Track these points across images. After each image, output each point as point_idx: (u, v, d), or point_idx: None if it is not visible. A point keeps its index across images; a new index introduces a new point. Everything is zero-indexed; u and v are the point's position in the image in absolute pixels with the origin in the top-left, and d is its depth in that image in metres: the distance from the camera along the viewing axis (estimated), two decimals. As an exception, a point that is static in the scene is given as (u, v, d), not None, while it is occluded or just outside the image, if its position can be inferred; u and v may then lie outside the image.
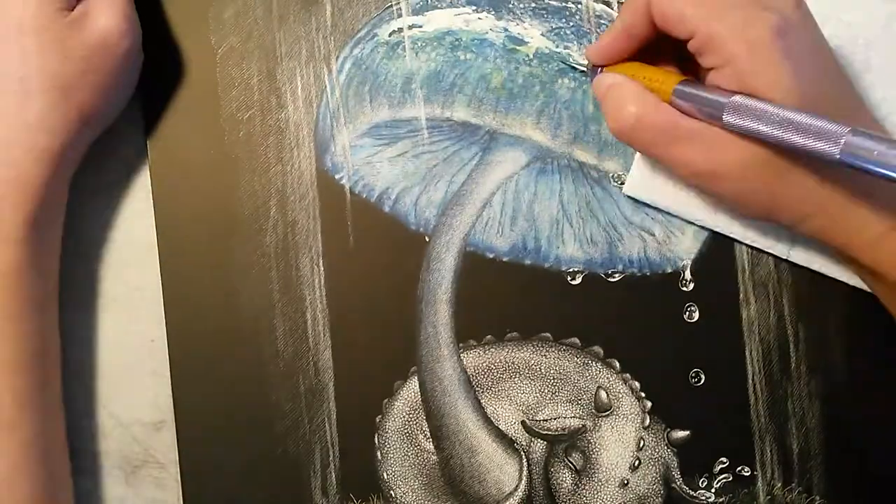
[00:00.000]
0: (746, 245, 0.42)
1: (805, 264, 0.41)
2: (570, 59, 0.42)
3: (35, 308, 0.39)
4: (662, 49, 0.38)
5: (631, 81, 0.37)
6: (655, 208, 0.42)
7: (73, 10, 0.39)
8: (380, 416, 0.43)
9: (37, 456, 0.38)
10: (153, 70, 0.44)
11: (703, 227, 0.42)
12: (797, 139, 0.31)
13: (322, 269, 0.43)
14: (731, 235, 0.42)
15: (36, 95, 0.38)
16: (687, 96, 0.35)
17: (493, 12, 0.43)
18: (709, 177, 0.36)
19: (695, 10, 0.34)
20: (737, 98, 0.33)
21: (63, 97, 0.38)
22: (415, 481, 0.43)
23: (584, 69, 0.42)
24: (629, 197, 0.42)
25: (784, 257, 0.41)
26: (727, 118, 0.33)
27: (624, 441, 0.43)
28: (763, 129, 0.32)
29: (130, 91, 0.42)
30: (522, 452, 0.43)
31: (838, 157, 0.30)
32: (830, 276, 0.41)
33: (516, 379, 0.43)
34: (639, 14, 0.37)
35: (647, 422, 0.42)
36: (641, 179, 0.42)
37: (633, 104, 0.36)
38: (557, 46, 0.43)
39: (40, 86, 0.38)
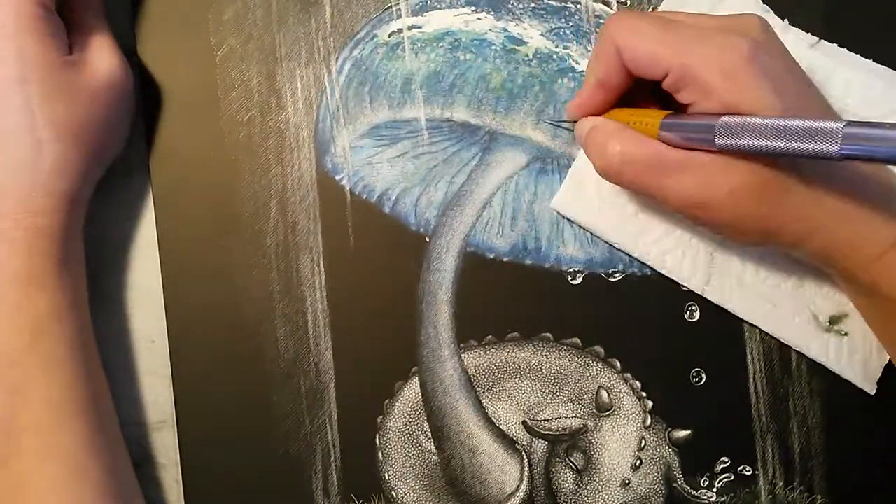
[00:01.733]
0: (663, 275, 0.42)
1: (718, 302, 0.42)
2: (556, 119, 0.43)
3: (79, 347, 0.39)
4: (640, 95, 0.38)
5: (611, 121, 0.37)
6: (579, 226, 0.43)
7: (70, 54, 0.39)
8: (381, 417, 0.43)
9: (110, 497, 0.38)
10: (153, 72, 0.44)
11: (621, 251, 0.42)
12: (795, 144, 0.31)
13: (323, 269, 0.43)
14: (647, 262, 0.42)
15: (49, 144, 0.38)
16: (675, 127, 0.35)
17: (492, 13, 0.43)
18: (702, 206, 0.35)
19: (664, 49, 0.34)
20: (725, 118, 0.33)
21: (75, 142, 0.39)
22: (416, 482, 0.43)
23: (570, 128, 0.42)
24: (555, 210, 0.43)
25: (698, 292, 0.42)
26: (720, 140, 0.33)
27: (625, 441, 0.43)
28: (758, 142, 0.32)
29: (132, 119, 0.43)
30: (523, 452, 0.43)
31: (839, 151, 0.30)
32: (741, 316, 0.42)
33: (517, 379, 0.43)
34: (611, 64, 0.36)
35: (649, 421, 0.42)
36: (570, 197, 0.42)
37: (617, 142, 0.36)
38: (557, 46, 0.43)
39: (52, 134, 0.38)
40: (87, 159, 0.39)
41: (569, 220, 0.43)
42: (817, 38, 0.41)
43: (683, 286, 0.42)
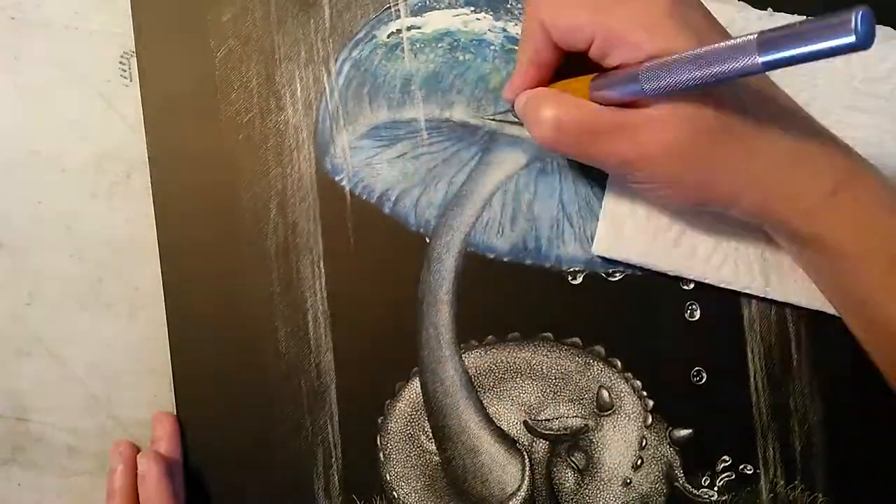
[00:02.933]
0: (722, 288, 0.42)
1: (783, 299, 0.41)
2: (489, 115, 0.43)
3: None
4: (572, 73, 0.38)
5: (543, 88, 0.37)
6: (628, 265, 0.42)
7: None
8: (382, 418, 0.43)
9: None
10: (153, 74, 0.44)
11: (676, 276, 0.42)
12: (717, 68, 0.30)
13: (323, 270, 0.43)
14: (705, 280, 0.41)
15: None
16: (603, 85, 0.35)
17: (491, 13, 0.43)
18: (638, 164, 0.35)
19: (586, 15, 0.34)
20: (647, 63, 0.33)
21: None
22: (417, 482, 0.43)
23: (509, 112, 0.42)
24: (600, 257, 0.42)
25: (762, 295, 0.41)
26: (646, 86, 0.33)
27: (626, 440, 0.43)
28: (682, 77, 0.31)
29: None
30: (525, 452, 0.43)
31: (760, 60, 0.29)
32: (808, 307, 0.41)
33: (518, 379, 0.43)
34: (538, 40, 0.36)
35: (650, 421, 0.42)
36: (610, 239, 0.42)
37: (550, 106, 0.36)
38: (556, 46, 0.43)
39: None
40: None
41: (615, 261, 0.42)
42: (803, 17, 0.41)
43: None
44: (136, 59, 0.44)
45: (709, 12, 0.36)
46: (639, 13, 0.34)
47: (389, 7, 0.44)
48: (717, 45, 0.30)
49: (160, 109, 0.44)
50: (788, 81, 0.38)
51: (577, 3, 0.35)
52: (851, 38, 0.26)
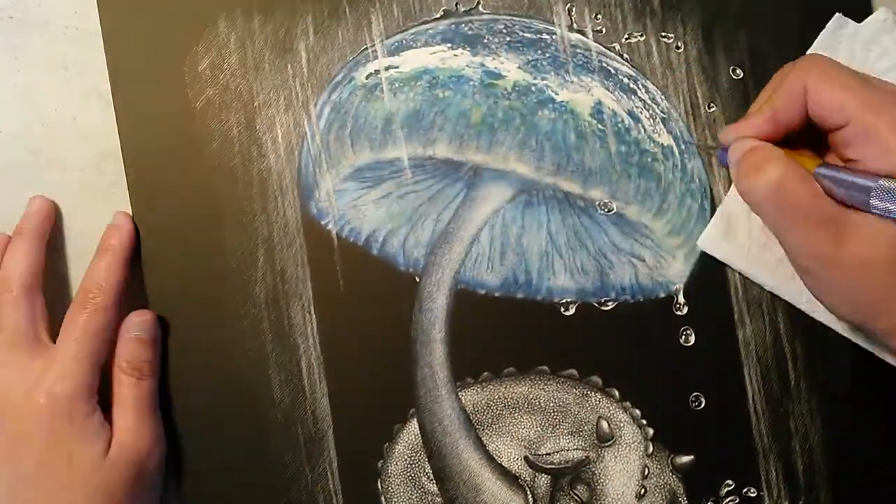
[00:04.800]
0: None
1: (865, 345, 0.41)
2: (699, 142, 0.42)
3: None
4: (794, 141, 0.37)
5: (777, 147, 0.36)
6: (726, 265, 0.42)
7: (110, 445, 0.40)
8: (381, 461, 0.43)
9: None
10: (132, 126, 0.43)
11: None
12: None
13: (314, 316, 0.43)
14: (801, 307, 0.41)
15: None
16: (829, 178, 0.34)
17: (468, 48, 0.43)
18: (829, 262, 0.34)
19: (854, 101, 0.34)
20: (884, 181, 0.32)
21: None
22: (421, 524, 0.43)
23: (712, 148, 0.42)
24: (702, 249, 0.42)
25: (848, 336, 0.41)
26: (874, 202, 0.32)
27: (628, 470, 0.42)
28: None
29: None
30: (527, 488, 0.42)
31: None
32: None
33: (516, 414, 0.43)
34: (793, 100, 0.36)
35: (651, 449, 0.42)
36: (718, 237, 0.41)
37: (779, 169, 0.34)
38: (535, 78, 0.43)
39: None
40: None
41: (717, 259, 0.42)
42: None
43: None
44: (114, 113, 0.44)
45: None
46: None
47: (366, 48, 0.43)
48: None
49: (141, 163, 0.44)
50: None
51: (849, 87, 0.34)
52: None
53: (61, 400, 0.39)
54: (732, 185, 0.41)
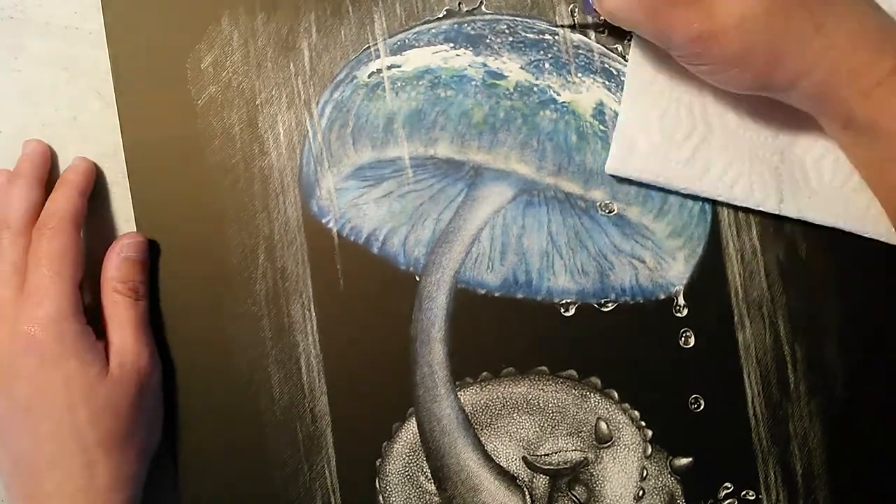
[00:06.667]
0: (734, 207, 0.41)
1: (796, 215, 0.41)
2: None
3: None
4: None
5: None
6: (639, 183, 0.42)
7: (107, 364, 0.40)
8: (380, 460, 0.43)
9: None
10: (135, 124, 0.44)
11: (688, 196, 0.42)
12: None
13: (314, 314, 0.43)
14: (718, 198, 0.41)
15: (101, 464, 0.39)
16: None
17: (470, 48, 0.43)
18: (710, 38, 0.35)
19: None
20: None
21: (123, 453, 0.39)
22: (418, 524, 0.43)
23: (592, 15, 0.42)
24: (612, 176, 0.42)
25: (775, 212, 0.41)
26: None
27: (627, 472, 0.42)
28: None
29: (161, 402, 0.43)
30: (525, 489, 0.42)
31: None
32: (823, 224, 0.41)
33: (515, 414, 0.43)
34: None
35: (649, 451, 0.42)
36: (622, 157, 0.42)
37: None
38: (537, 79, 0.43)
39: (102, 453, 0.39)
40: (136, 464, 0.40)
41: (628, 180, 0.42)
42: None
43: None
44: (117, 112, 0.44)
45: None
46: None
47: (369, 47, 0.43)
48: None
49: (143, 160, 0.44)
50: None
51: None
52: None
53: (45, 323, 0.38)
54: (622, 101, 0.42)
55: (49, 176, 0.43)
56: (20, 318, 0.39)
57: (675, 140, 0.41)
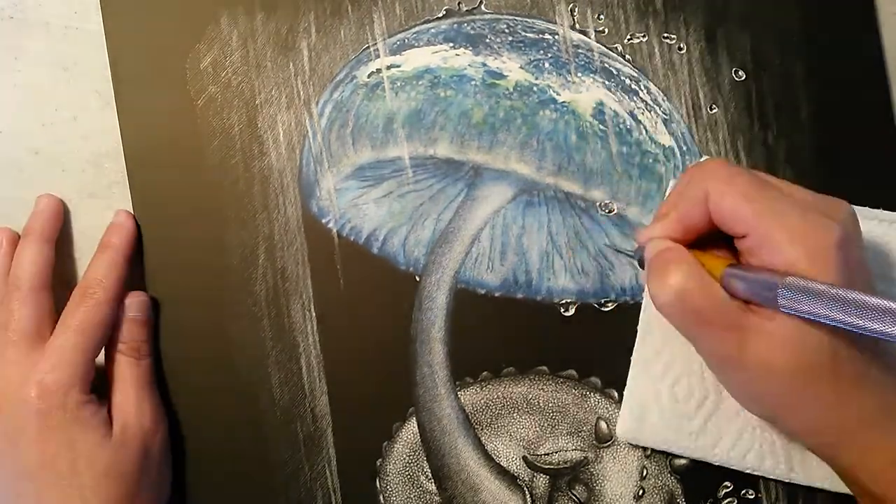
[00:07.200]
0: (747, 472, 0.41)
1: (807, 483, 0.40)
2: (618, 246, 0.42)
3: None
4: (712, 237, 0.37)
5: (683, 251, 0.36)
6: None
7: (111, 429, 0.40)
8: (380, 460, 0.43)
9: None
10: (134, 125, 0.44)
11: (701, 461, 0.41)
12: (858, 320, 0.29)
13: (314, 314, 0.43)
14: (731, 467, 0.40)
15: None
16: (739, 277, 0.34)
17: (470, 48, 0.43)
18: (736, 368, 0.34)
19: (752, 211, 0.33)
20: (791, 279, 0.31)
21: None
22: (419, 523, 0.43)
23: (632, 254, 0.42)
24: (624, 441, 0.42)
25: (787, 480, 0.40)
26: (782, 300, 0.31)
27: (627, 471, 0.42)
28: (819, 310, 0.30)
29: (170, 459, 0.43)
30: (525, 488, 0.43)
31: None
32: (835, 491, 0.40)
33: (515, 414, 0.43)
34: (695, 206, 0.35)
35: (649, 450, 0.42)
36: (633, 423, 0.41)
37: (680, 276, 0.34)
38: (537, 78, 0.43)
39: None
40: None
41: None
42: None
43: (762, 473, 0.41)
44: (117, 112, 0.44)
45: (864, 256, 0.35)
46: (808, 234, 0.32)
47: (368, 47, 0.43)
48: (872, 298, 0.29)
49: (143, 160, 0.44)
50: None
51: (747, 196, 0.34)
52: None
53: (52, 389, 0.39)
54: (632, 366, 0.41)
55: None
56: (30, 377, 0.39)
57: (686, 410, 0.40)
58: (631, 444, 0.42)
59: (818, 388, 0.33)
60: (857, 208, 0.36)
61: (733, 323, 0.33)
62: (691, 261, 0.35)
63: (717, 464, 0.41)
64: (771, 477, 0.41)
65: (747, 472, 0.41)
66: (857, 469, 0.35)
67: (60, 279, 0.43)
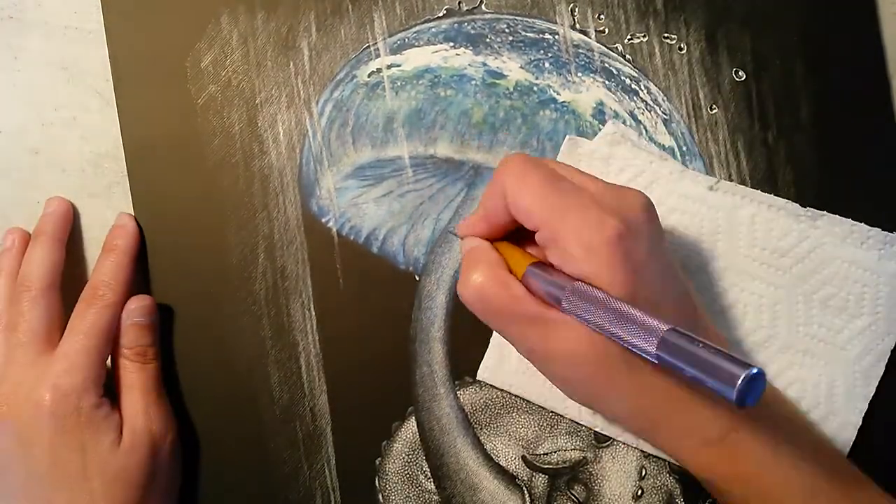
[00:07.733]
0: (596, 431, 0.42)
1: (654, 451, 0.42)
2: (452, 229, 0.43)
3: None
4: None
5: (488, 249, 0.37)
6: (509, 393, 0.42)
7: (122, 434, 0.40)
8: (379, 459, 0.43)
9: None
10: (135, 123, 0.44)
11: (554, 412, 0.42)
12: (619, 332, 0.31)
13: (313, 313, 0.43)
14: (580, 421, 0.42)
15: None
16: (536, 277, 0.35)
17: (470, 48, 0.43)
18: (542, 358, 0.36)
19: (541, 208, 0.34)
20: (576, 284, 0.33)
21: None
22: (418, 522, 0.43)
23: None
24: (482, 381, 0.43)
25: (633, 445, 0.42)
26: (565, 304, 0.33)
27: (626, 471, 0.42)
28: (592, 318, 0.32)
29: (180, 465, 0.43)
30: (524, 488, 0.43)
31: (654, 352, 0.30)
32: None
33: (514, 414, 0.43)
34: (496, 202, 0.36)
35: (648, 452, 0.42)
36: (494, 366, 0.42)
37: (481, 274, 0.35)
38: (537, 78, 0.43)
39: None
40: None
41: (497, 387, 0.42)
42: (716, 179, 0.41)
43: (609, 434, 0.41)
44: (117, 111, 0.44)
45: (659, 248, 0.35)
46: (585, 231, 0.33)
47: (369, 46, 0.43)
48: (631, 311, 0.31)
49: (143, 160, 0.44)
50: (694, 232, 0.40)
51: (538, 194, 0.35)
52: (731, 394, 0.28)
53: (66, 392, 0.39)
54: None
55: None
56: (43, 380, 0.39)
57: None
58: (625, 443, 0.42)
59: (618, 377, 0.34)
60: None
61: (535, 318, 0.34)
62: (493, 260, 0.36)
63: (567, 416, 0.42)
64: (620, 439, 0.42)
65: (595, 430, 0.42)
66: (676, 452, 0.36)
67: (66, 279, 0.43)
